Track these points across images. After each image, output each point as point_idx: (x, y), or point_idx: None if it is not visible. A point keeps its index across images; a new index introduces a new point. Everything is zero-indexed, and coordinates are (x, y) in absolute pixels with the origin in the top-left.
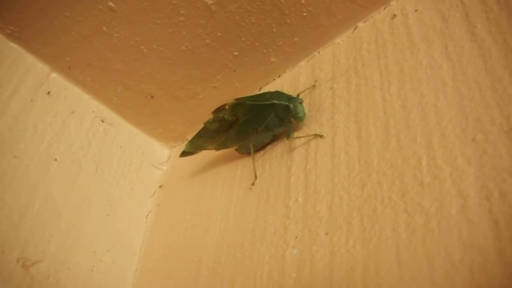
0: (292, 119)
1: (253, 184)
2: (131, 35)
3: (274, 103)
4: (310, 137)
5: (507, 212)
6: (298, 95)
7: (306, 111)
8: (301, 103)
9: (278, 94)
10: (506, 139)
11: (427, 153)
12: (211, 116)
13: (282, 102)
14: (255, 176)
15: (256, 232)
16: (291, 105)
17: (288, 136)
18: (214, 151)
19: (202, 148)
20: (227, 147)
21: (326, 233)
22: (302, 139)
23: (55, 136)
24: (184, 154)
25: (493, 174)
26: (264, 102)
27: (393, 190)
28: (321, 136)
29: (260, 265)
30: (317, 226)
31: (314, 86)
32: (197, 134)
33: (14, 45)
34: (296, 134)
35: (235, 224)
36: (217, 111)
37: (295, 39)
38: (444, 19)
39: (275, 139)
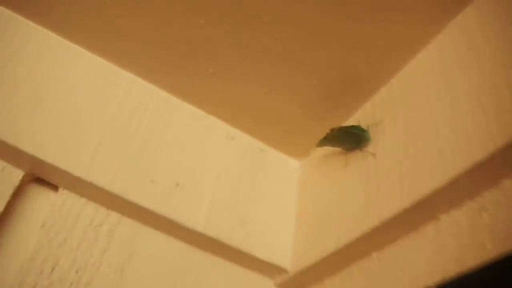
0: (363, 141)
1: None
2: None
3: (354, 132)
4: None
5: None
6: (368, 127)
7: (371, 137)
8: (367, 132)
9: (357, 127)
10: None
11: None
12: (328, 131)
13: (358, 132)
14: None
15: None
16: (363, 134)
17: (360, 149)
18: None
19: (326, 145)
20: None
21: None
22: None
23: None
24: (318, 145)
25: None
26: (350, 130)
27: None
28: (373, 154)
29: None
30: None
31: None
32: (324, 136)
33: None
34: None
35: None
36: (331, 129)
37: None
38: None
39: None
